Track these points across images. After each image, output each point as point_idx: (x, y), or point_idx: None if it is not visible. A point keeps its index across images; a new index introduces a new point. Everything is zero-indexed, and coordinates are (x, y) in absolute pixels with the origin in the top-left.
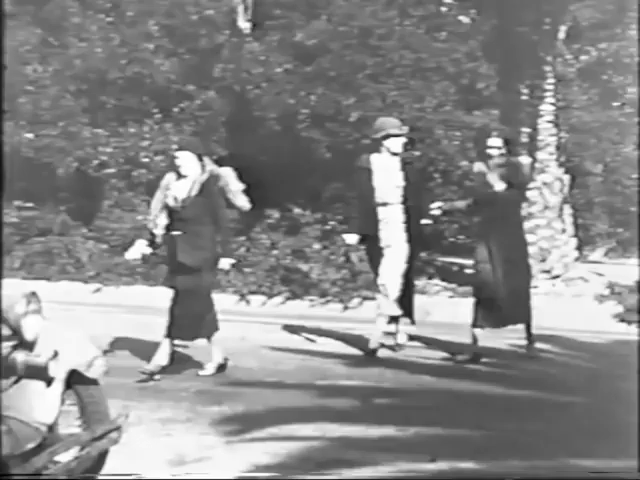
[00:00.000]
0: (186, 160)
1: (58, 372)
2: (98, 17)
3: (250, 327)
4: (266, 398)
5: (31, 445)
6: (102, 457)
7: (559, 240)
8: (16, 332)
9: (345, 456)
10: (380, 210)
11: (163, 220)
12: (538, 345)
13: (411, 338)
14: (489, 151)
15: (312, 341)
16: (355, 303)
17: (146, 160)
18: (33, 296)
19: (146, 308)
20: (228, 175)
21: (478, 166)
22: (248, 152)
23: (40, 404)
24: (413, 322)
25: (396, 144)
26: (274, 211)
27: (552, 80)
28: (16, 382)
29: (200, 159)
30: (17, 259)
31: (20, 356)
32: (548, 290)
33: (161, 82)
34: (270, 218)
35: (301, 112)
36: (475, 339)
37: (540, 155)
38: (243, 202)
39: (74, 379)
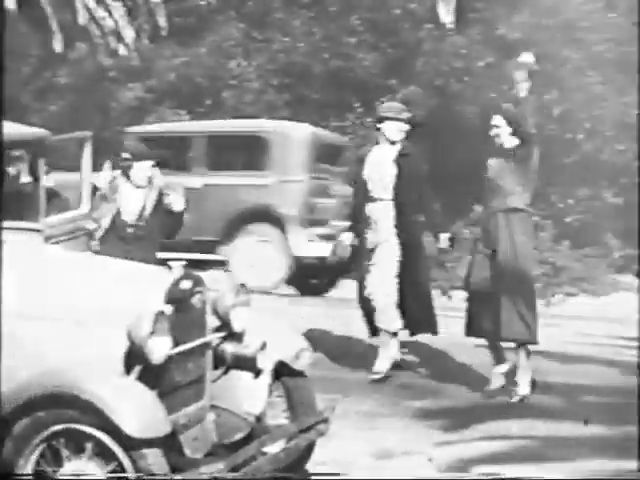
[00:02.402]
0: (144, 171)
1: (266, 363)
2: (301, 12)
3: (451, 322)
4: (469, 393)
5: (239, 435)
6: (309, 449)
7: None
8: (225, 323)
9: (551, 454)
10: (369, 207)
11: (107, 222)
12: None
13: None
14: (493, 131)
15: None
16: (558, 299)
17: (347, 154)
18: (242, 288)
19: (343, 300)
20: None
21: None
22: (450, 146)
23: (248, 395)
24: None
25: (391, 129)
26: (477, 205)
27: None
28: (225, 373)
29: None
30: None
31: (229, 347)
32: None
33: (363, 76)
34: (473, 212)
35: (503, 106)
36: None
37: None
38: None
39: (282, 370)
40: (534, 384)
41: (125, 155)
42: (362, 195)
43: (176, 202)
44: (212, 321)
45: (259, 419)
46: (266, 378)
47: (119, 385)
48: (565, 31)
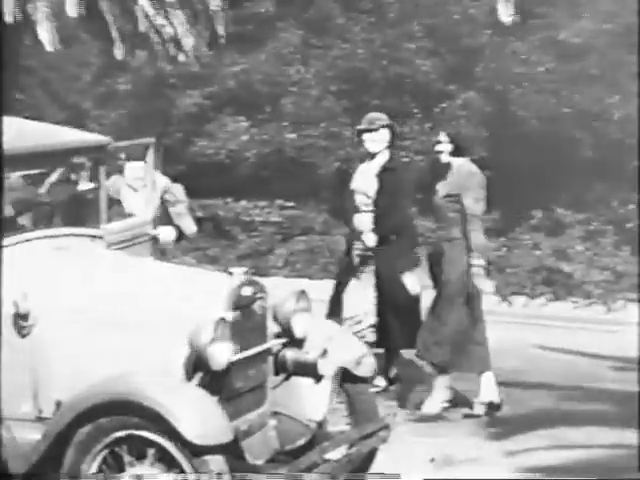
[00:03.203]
0: (136, 171)
1: (327, 370)
2: (360, 18)
3: (512, 328)
4: (530, 399)
5: (301, 442)
6: (371, 455)
7: None
8: (286, 330)
9: (615, 463)
10: (356, 218)
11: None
12: None
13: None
14: (436, 148)
15: None
16: (619, 305)
17: (406, 160)
18: (302, 294)
19: None
20: (178, 192)
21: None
22: (509, 152)
23: (310, 401)
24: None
25: (369, 140)
26: (536, 211)
27: None
28: (286, 379)
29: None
30: (280, 257)
31: (290, 354)
32: None
33: (422, 82)
34: (532, 218)
35: (563, 111)
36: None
37: None
38: (189, 225)
39: (343, 377)
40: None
41: (120, 156)
42: (351, 206)
43: (184, 220)
44: (273, 327)
45: (321, 425)
46: (327, 384)
47: (181, 392)
48: (625, 36)
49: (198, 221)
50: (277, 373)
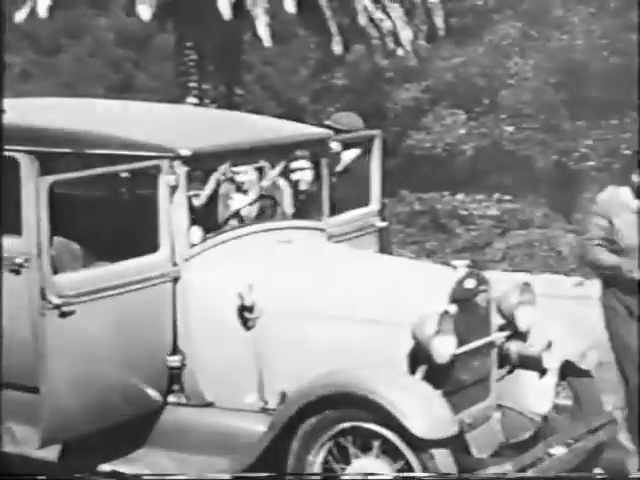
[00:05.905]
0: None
1: (551, 363)
2: (579, 8)
3: None
4: None
5: (526, 435)
6: (597, 451)
7: None
8: (510, 322)
9: None
10: None
11: None
12: None
13: None
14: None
15: None
16: None
17: (628, 152)
18: (527, 287)
19: None
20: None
21: None
22: None
23: (534, 394)
24: None
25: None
26: None
27: None
28: (510, 372)
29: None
30: (498, 251)
31: (514, 346)
32: None
33: None
34: None
35: None
36: None
37: None
38: None
39: (567, 370)
40: None
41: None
42: None
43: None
44: (497, 320)
45: (546, 419)
46: (552, 378)
47: (406, 386)
48: None
49: (415, 214)
50: (501, 366)
